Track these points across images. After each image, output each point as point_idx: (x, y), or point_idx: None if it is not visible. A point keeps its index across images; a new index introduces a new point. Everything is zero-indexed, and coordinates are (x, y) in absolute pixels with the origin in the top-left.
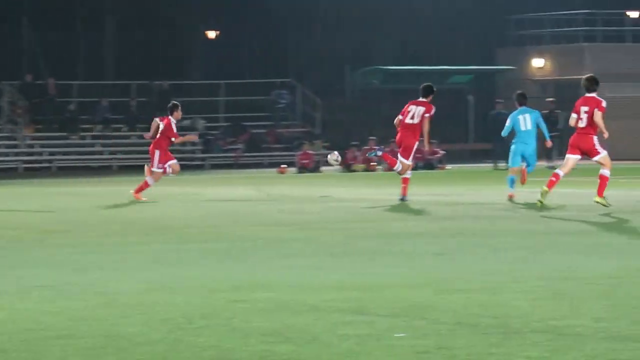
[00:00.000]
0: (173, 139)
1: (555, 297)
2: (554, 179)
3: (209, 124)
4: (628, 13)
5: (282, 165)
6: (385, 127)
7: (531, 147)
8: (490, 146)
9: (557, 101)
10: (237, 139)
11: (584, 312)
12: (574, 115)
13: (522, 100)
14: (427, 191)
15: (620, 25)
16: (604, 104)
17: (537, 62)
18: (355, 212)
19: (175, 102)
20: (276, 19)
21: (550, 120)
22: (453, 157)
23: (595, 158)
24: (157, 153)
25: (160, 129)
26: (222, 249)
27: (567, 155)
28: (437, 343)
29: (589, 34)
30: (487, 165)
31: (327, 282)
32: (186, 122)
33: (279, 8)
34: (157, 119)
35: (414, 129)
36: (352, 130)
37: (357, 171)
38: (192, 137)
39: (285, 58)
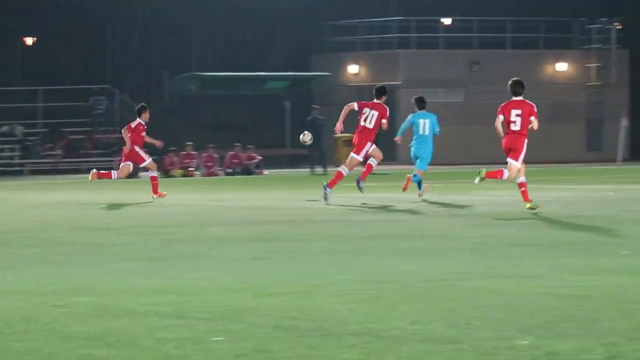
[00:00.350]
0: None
1: (371, 300)
2: (523, 188)
3: (27, 130)
4: (442, 20)
5: (95, 171)
6: (205, 132)
7: (427, 150)
8: (307, 151)
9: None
10: (56, 144)
11: (400, 314)
12: (500, 117)
13: (421, 104)
14: (244, 196)
15: (434, 32)
16: (536, 108)
17: (353, 69)
18: (174, 217)
19: (144, 104)
20: (94, 25)
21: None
22: (270, 162)
23: (511, 160)
24: (140, 150)
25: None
26: (40, 254)
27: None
28: (256, 346)
29: (404, 40)
30: (304, 171)
31: (145, 286)
32: (4, 128)
33: (97, 14)
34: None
35: (369, 133)
36: (171, 136)
37: (176, 176)
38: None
39: (103, 64)
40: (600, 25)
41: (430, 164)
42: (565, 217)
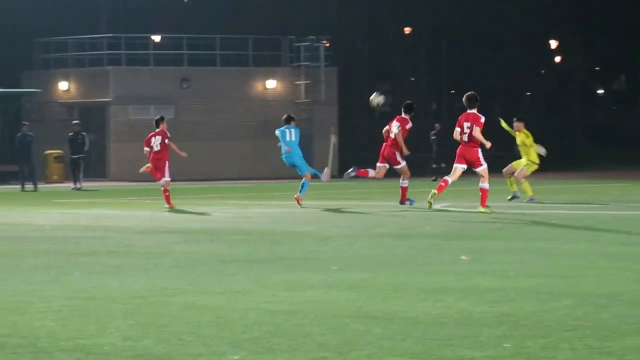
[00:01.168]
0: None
1: (82, 316)
2: (442, 184)
3: None
4: (152, 37)
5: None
6: None
7: (296, 155)
8: (16, 168)
9: (82, 123)
10: None
11: (112, 331)
12: (457, 130)
13: (289, 119)
14: None
15: (145, 49)
16: (482, 120)
17: (63, 85)
18: None
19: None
20: None
21: (77, 142)
22: None
23: (477, 169)
24: (167, 164)
25: (158, 142)
26: None
27: (455, 165)
28: None
29: (114, 57)
30: (15, 187)
31: None
32: None
33: None
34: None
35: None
36: None
37: None
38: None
39: None
40: (308, 43)
41: (135, 180)
42: (277, 233)
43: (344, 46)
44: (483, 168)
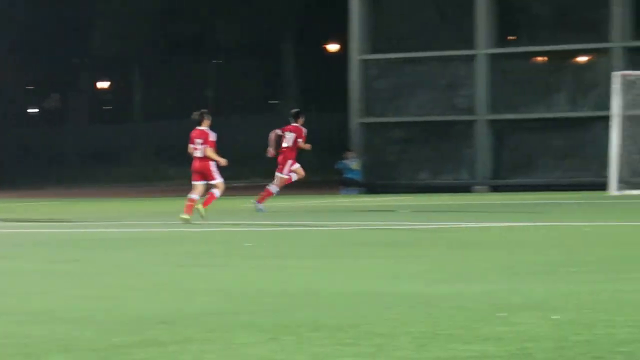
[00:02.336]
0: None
1: None
2: (189, 203)
3: None
4: None
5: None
6: None
7: None
8: None
9: None
10: None
11: None
12: (191, 145)
13: None
14: None
15: None
16: (211, 137)
17: None
18: None
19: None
20: None
21: None
22: None
23: (212, 182)
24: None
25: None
26: None
27: (193, 182)
28: None
29: None
30: None
31: None
32: None
33: None
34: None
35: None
36: None
37: None
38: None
39: None
40: None
41: None
42: None
43: None
44: (218, 181)
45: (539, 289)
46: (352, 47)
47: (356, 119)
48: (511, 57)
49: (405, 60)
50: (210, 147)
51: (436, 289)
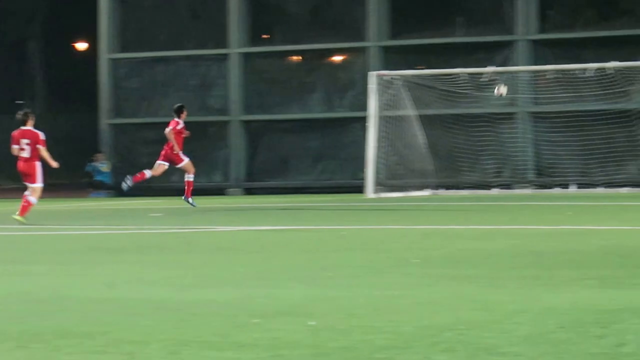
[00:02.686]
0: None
1: None
2: (25, 204)
3: None
4: None
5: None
6: None
7: None
8: None
9: None
10: None
11: None
12: (15, 146)
13: None
14: None
15: None
16: (42, 136)
17: None
18: None
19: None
20: None
21: None
22: None
23: (32, 185)
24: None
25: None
26: None
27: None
28: None
29: None
30: None
31: None
32: None
33: None
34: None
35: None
36: None
37: None
38: None
39: None
40: None
41: None
42: None
43: None
44: (36, 186)
45: (295, 294)
46: (101, 45)
47: (106, 119)
48: (265, 57)
49: (155, 59)
50: (43, 147)
51: (189, 295)
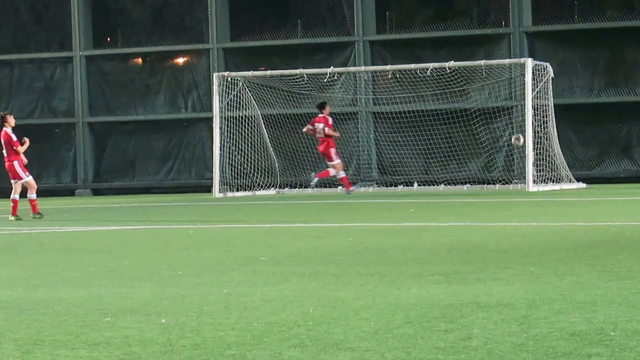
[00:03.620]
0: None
1: None
2: (13, 204)
3: None
4: None
5: None
6: None
7: None
8: None
9: None
10: None
11: None
12: None
13: None
14: None
15: None
16: (14, 137)
17: None
18: None
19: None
20: None
21: None
22: None
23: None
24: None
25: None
26: None
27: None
28: None
29: None
30: None
31: None
32: None
33: None
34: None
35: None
36: None
37: None
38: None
39: None
40: None
41: None
42: None
43: None
44: (27, 179)
45: (145, 292)
46: None
47: None
48: (109, 59)
49: None
50: (16, 147)
51: (40, 295)
